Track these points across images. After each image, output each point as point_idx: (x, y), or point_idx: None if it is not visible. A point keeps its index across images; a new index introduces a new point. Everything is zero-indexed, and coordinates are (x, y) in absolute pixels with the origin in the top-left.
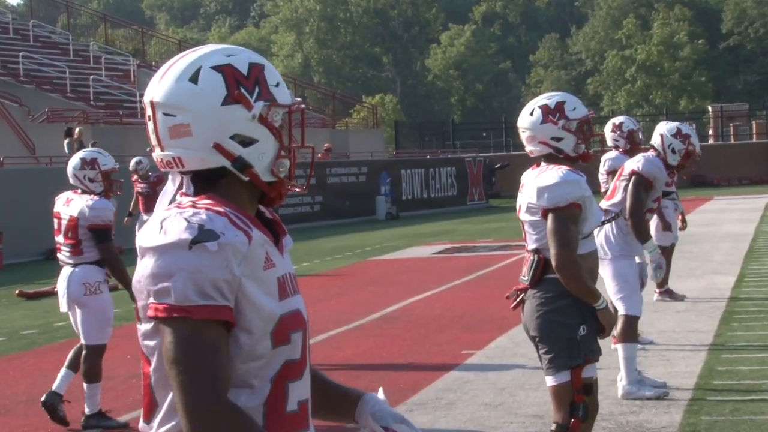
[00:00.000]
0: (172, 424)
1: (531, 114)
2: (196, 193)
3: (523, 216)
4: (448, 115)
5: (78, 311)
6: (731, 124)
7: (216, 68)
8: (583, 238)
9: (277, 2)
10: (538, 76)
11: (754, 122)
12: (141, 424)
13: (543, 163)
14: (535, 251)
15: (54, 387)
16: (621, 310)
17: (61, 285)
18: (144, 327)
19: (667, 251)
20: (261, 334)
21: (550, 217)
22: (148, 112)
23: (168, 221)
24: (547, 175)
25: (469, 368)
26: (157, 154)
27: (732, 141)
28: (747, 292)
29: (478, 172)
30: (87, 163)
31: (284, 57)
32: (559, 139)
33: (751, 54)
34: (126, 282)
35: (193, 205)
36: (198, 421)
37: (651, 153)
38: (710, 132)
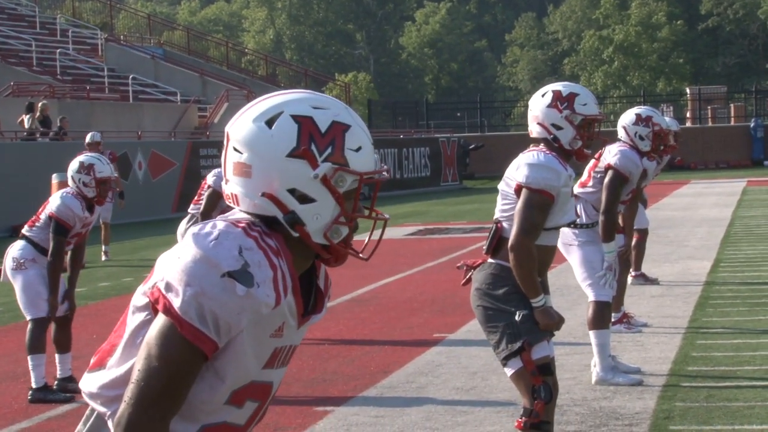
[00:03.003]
0: (126, 367)
1: (543, 95)
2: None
3: (500, 185)
4: (422, 94)
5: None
6: (709, 107)
7: (296, 118)
8: (545, 229)
9: None
10: (514, 55)
11: (732, 105)
12: (85, 376)
13: (539, 146)
14: (497, 221)
15: (58, 375)
16: (590, 296)
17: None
18: (140, 297)
19: (641, 234)
20: (227, 386)
21: (522, 195)
22: (225, 141)
23: (228, 235)
24: (535, 154)
25: (440, 352)
26: (224, 185)
27: (710, 124)
28: (723, 277)
29: (452, 153)
30: (83, 168)
31: (255, 33)
32: (559, 128)
33: (730, 36)
34: (53, 282)
35: (259, 238)
36: (134, 424)
37: (625, 146)
38: (688, 114)
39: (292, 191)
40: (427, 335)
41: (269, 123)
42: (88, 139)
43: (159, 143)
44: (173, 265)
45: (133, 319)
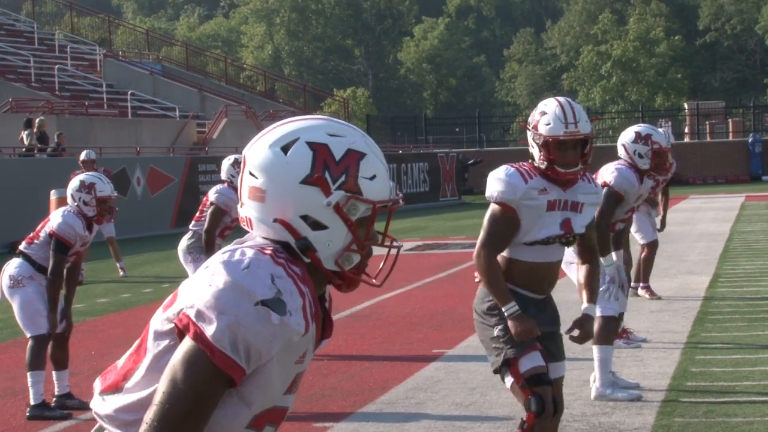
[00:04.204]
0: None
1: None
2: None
3: None
4: (420, 109)
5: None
6: (707, 122)
7: (311, 144)
8: (528, 244)
9: None
10: (513, 70)
11: (730, 120)
12: (99, 398)
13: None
14: None
15: (56, 392)
16: (596, 312)
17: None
18: (163, 323)
19: (650, 248)
20: (252, 411)
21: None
22: (242, 165)
23: (259, 262)
24: (502, 168)
25: (439, 367)
26: (239, 208)
27: (708, 139)
28: (721, 292)
29: (450, 168)
30: (84, 187)
31: (254, 48)
32: (531, 146)
33: (728, 51)
34: (52, 299)
35: (286, 266)
36: None
37: (624, 164)
38: (686, 130)
39: (304, 218)
40: (426, 351)
41: (285, 149)
42: (82, 156)
43: (157, 159)
44: (204, 292)
45: (155, 345)
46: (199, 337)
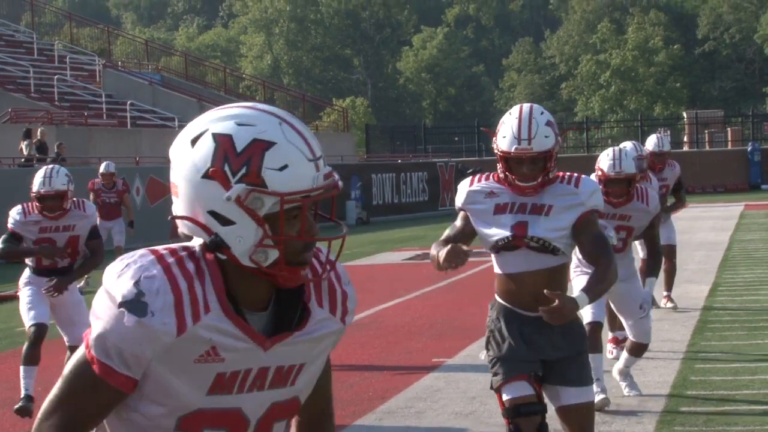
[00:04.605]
0: None
1: None
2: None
3: None
4: (419, 118)
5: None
6: (706, 131)
7: (216, 136)
8: (490, 251)
9: (246, 2)
10: (512, 80)
11: (729, 129)
12: None
13: None
14: None
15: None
16: (588, 310)
17: None
18: None
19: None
20: (168, 410)
21: None
22: None
23: (131, 266)
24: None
25: (439, 377)
26: None
27: (707, 148)
28: (721, 301)
29: (450, 177)
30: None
31: (253, 58)
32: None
33: (727, 60)
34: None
35: (174, 264)
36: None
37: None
38: (685, 139)
39: (213, 213)
40: (425, 360)
41: (193, 142)
42: (102, 168)
43: (157, 169)
44: (95, 299)
45: None
46: (87, 346)
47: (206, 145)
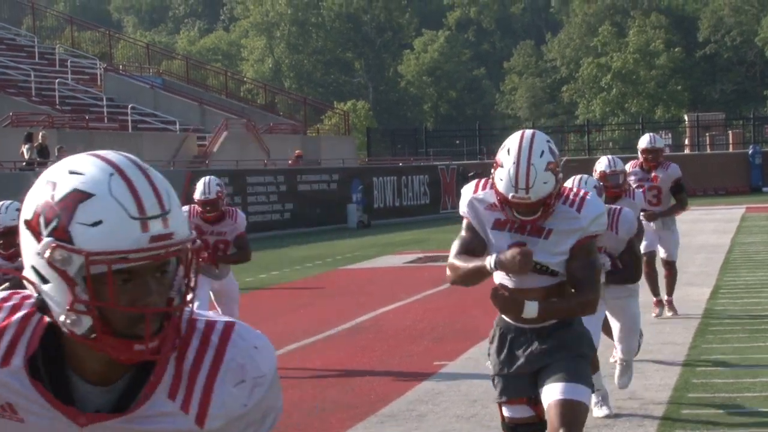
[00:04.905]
0: None
1: None
2: None
3: None
4: (421, 122)
5: None
6: (707, 134)
7: (48, 182)
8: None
9: (247, 6)
10: (513, 83)
11: (730, 132)
12: None
13: None
14: None
15: None
16: None
17: None
18: None
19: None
20: None
21: None
22: None
23: None
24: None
25: (440, 379)
26: None
27: (708, 151)
28: (722, 303)
29: (451, 180)
30: None
31: (254, 62)
32: None
33: (728, 63)
34: None
35: (6, 308)
36: None
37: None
38: (686, 141)
39: (33, 268)
40: (427, 363)
41: (35, 186)
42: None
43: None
44: None
45: None
46: None
47: (38, 191)
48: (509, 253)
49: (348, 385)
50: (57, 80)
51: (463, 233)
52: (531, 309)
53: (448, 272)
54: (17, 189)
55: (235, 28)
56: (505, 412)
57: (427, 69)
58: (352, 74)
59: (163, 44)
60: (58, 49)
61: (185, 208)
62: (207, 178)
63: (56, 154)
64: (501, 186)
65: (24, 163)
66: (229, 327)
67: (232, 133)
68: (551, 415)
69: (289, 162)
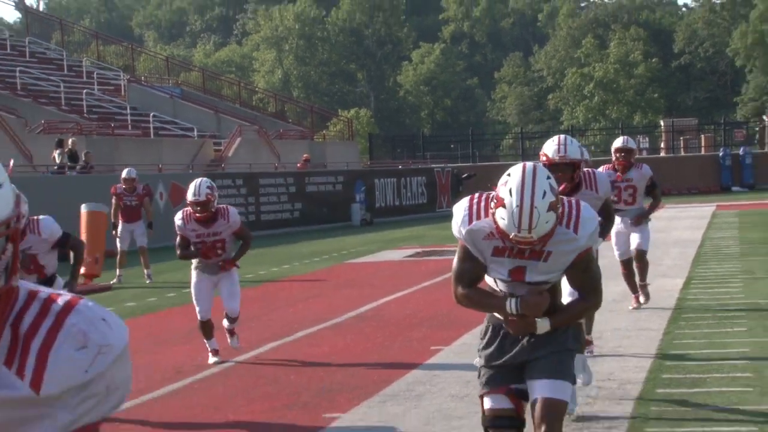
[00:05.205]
0: None
1: None
2: None
3: None
4: (418, 128)
5: None
6: (681, 138)
7: None
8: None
9: (258, 21)
10: (503, 92)
11: (702, 136)
12: None
13: None
14: None
15: None
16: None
17: None
18: None
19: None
20: None
21: None
22: None
23: None
24: (464, 199)
25: (437, 363)
26: None
27: (682, 153)
28: (694, 293)
29: (446, 181)
30: None
31: (265, 73)
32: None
33: (701, 72)
34: None
35: None
36: None
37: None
38: (662, 145)
39: None
40: (425, 348)
41: None
42: (124, 174)
43: (178, 175)
44: None
45: None
46: None
47: None
48: (531, 301)
49: (352, 369)
50: (84, 91)
51: (463, 263)
52: (544, 325)
53: (460, 300)
54: (50, 191)
55: (247, 42)
56: (486, 404)
57: (424, 79)
58: (355, 84)
59: (181, 57)
60: (85, 62)
61: (179, 214)
62: (198, 180)
63: (83, 158)
64: (503, 225)
65: (56, 167)
66: (75, 300)
67: (245, 139)
68: (536, 409)
69: (298, 165)
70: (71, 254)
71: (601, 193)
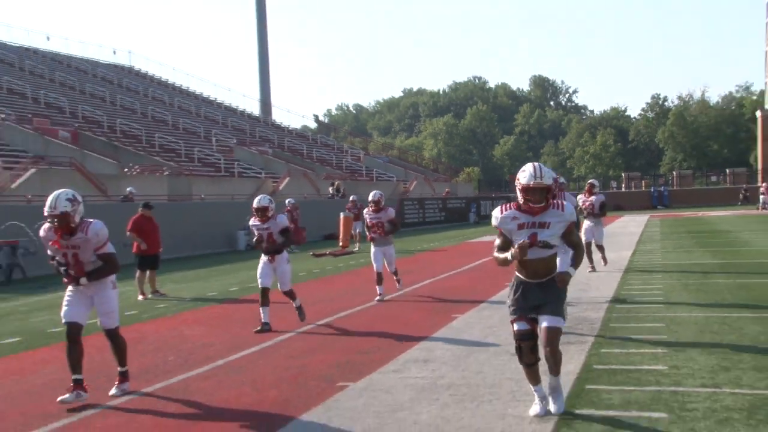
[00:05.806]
0: None
1: None
2: None
3: None
4: (502, 176)
5: None
6: (633, 182)
7: None
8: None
9: (425, 125)
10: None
11: (643, 180)
12: None
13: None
14: None
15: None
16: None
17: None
18: None
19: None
20: None
21: None
22: None
23: None
24: (498, 206)
25: (460, 323)
26: None
27: (633, 189)
28: (637, 259)
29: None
30: None
31: (429, 150)
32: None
33: (644, 150)
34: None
35: None
36: None
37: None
38: (623, 185)
39: None
40: (447, 315)
41: None
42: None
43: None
44: None
45: None
46: None
47: None
48: (513, 251)
49: (391, 330)
50: (343, 159)
51: (498, 239)
52: (573, 272)
53: (495, 257)
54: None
55: (420, 134)
56: (515, 327)
57: (504, 154)
58: (472, 154)
59: (388, 143)
60: (345, 144)
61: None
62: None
63: (342, 190)
64: (524, 179)
65: (329, 197)
66: None
67: (418, 182)
68: (542, 335)
69: (443, 194)
70: None
71: (567, 214)
